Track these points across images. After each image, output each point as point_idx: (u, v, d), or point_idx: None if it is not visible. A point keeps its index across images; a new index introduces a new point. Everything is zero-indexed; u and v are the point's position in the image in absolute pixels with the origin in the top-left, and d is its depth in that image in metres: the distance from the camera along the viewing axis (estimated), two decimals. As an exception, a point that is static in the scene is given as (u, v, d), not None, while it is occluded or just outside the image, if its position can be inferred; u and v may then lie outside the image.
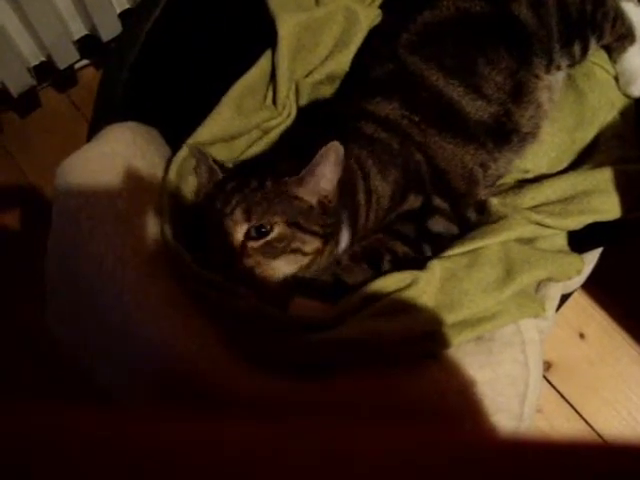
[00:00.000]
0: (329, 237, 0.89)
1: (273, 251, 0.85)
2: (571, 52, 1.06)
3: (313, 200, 0.88)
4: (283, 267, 0.86)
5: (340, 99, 1.07)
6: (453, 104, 1.00)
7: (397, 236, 0.92)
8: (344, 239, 0.92)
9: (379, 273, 0.87)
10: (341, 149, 0.85)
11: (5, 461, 0.23)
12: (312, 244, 0.87)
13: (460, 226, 0.96)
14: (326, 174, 0.87)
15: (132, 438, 0.26)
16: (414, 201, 0.94)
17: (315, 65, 1.06)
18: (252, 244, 0.85)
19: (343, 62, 1.07)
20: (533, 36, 1.04)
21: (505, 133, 1.02)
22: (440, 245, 0.91)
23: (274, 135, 1.04)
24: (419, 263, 0.86)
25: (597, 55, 1.11)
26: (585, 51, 1.07)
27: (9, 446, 0.24)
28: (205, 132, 0.97)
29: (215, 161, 0.94)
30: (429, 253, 0.91)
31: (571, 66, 1.09)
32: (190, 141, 0.95)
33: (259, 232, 0.85)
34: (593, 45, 1.08)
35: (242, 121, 1.00)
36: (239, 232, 0.85)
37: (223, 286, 0.83)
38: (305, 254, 0.87)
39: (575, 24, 1.05)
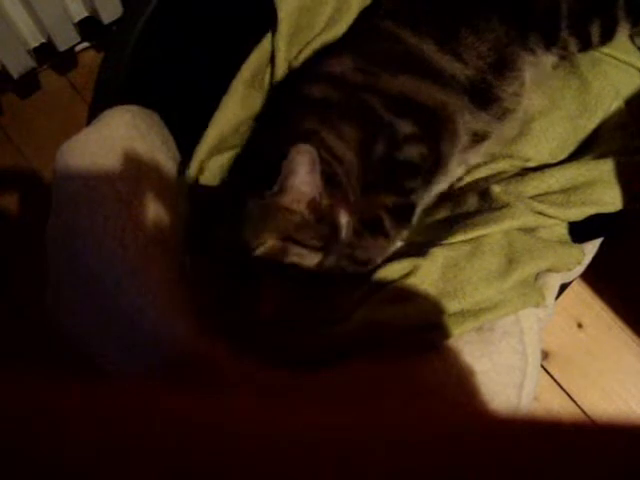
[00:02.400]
0: (330, 247, 0.86)
1: (275, 262, 0.84)
2: (585, 35, 1.00)
3: (301, 207, 0.84)
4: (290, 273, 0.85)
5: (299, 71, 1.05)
6: (426, 58, 0.97)
7: (376, 189, 0.90)
8: (344, 222, 0.90)
9: (388, 237, 0.88)
10: (313, 151, 0.80)
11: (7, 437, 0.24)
12: (311, 259, 0.85)
13: (431, 150, 0.92)
14: (304, 180, 0.83)
15: (132, 410, 0.26)
16: (379, 150, 0.91)
17: (306, 43, 1.06)
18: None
19: (332, 38, 1.07)
20: (534, 10, 0.99)
21: (483, 98, 0.99)
22: (417, 170, 0.89)
23: None
24: (413, 211, 0.88)
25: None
26: (609, 35, 1.00)
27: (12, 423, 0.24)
28: (228, 116, 0.97)
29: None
30: (412, 185, 0.90)
31: (585, 49, 1.02)
32: (213, 129, 0.96)
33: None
34: (624, 29, 1.00)
35: (251, 102, 1.00)
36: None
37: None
38: (304, 266, 0.85)
39: (595, 2, 0.99)
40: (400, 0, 1.04)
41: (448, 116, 0.95)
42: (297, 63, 1.05)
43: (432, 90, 0.95)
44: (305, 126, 0.92)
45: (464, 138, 0.98)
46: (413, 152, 0.90)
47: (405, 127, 0.91)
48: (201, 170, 0.93)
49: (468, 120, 0.98)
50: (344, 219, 0.89)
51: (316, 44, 1.06)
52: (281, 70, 1.03)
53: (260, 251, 0.83)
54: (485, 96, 0.99)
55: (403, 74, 0.95)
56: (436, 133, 0.94)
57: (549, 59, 1.04)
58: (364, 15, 1.08)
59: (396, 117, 0.92)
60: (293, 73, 1.06)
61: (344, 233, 0.89)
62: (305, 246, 0.84)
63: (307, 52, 1.06)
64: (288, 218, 0.84)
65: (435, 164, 0.94)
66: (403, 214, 0.88)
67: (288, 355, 0.79)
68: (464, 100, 0.97)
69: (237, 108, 0.98)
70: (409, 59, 0.96)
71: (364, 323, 0.80)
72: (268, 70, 1.05)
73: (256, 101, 1.02)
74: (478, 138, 1.00)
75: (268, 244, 0.83)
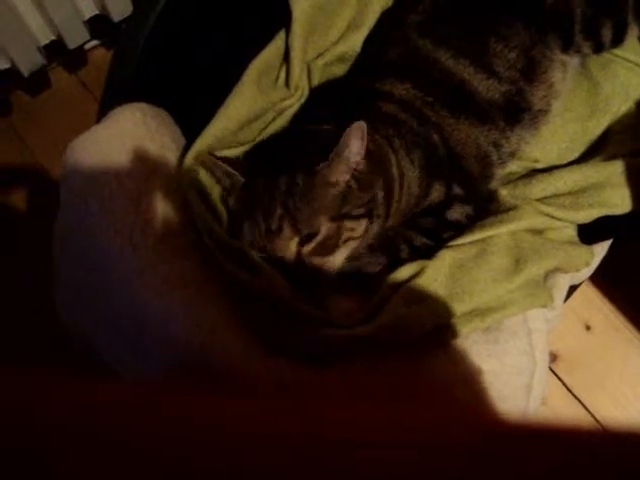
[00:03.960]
0: (372, 213, 0.88)
1: (327, 248, 0.85)
2: (597, 38, 1.01)
3: (347, 178, 0.86)
4: (339, 258, 0.86)
5: (353, 81, 1.06)
6: (465, 84, 0.99)
7: (415, 228, 0.92)
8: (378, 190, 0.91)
9: (397, 262, 0.87)
10: (365, 126, 0.82)
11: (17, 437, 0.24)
12: (360, 226, 0.86)
13: (477, 207, 0.95)
14: (354, 150, 0.84)
15: (131, 409, 0.26)
16: (438, 191, 0.94)
17: (327, 47, 1.06)
18: (305, 249, 0.84)
19: (355, 44, 1.06)
20: (551, 15, 1.00)
21: (516, 112, 1.00)
22: (460, 229, 0.91)
23: (287, 116, 1.03)
24: (435, 250, 0.87)
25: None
26: (620, 38, 1.02)
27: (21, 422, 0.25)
28: (231, 113, 0.96)
29: (230, 162, 0.90)
30: (447, 236, 0.91)
31: (598, 52, 1.04)
32: (215, 124, 0.95)
33: (309, 235, 0.84)
34: (634, 31, 1.02)
35: (263, 100, 0.99)
36: (292, 246, 0.84)
37: (253, 262, 0.83)
38: (356, 239, 0.87)
39: (606, 6, 1.00)
40: (428, 13, 1.04)
41: (492, 162, 1.00)
42: (320, 66, 1.05)
43: (478, 134, 0.98)
44: (380, 130, 0.94)
45: (498, 170, 1.01)
46: (458, 213, 0.93)
47: (455, 188, 0.95)
48: (196, 163, 0.92)
49: (505, 148, 1.00)
50: (379, 190, 0.90)
51: (340, 49, 1.06)
52: (298, 70, 1.02)
53: (319, 240, 0.84)
54: (519, 107, 1.00)
55: (454, 114, 0.98)
56: (478, 191, 0.98)
57: (573, 60, 1.04)
58: (390, 20, 1.07)
59: (451, 178, 0.95)
60: (343, 84, 1.07)
61: (379, 199, 0.90)
62: (354, 217, 0.86)
63: (329, 57, 1.05)
64: (334, 193, 0.85)
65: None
66: (424, 251, 0.89)
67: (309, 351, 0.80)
68: (500, 126, 0.99)
69: (244, 105, 0.97)
70: (457, 93, 0.99)
71: (383, 325, 0.80)
72: (283, 68, 1.05)
73: (269, 98, 1.01)
74: (511, 157, 1.02)
75: (323, 230, 0.84)
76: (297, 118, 1.04)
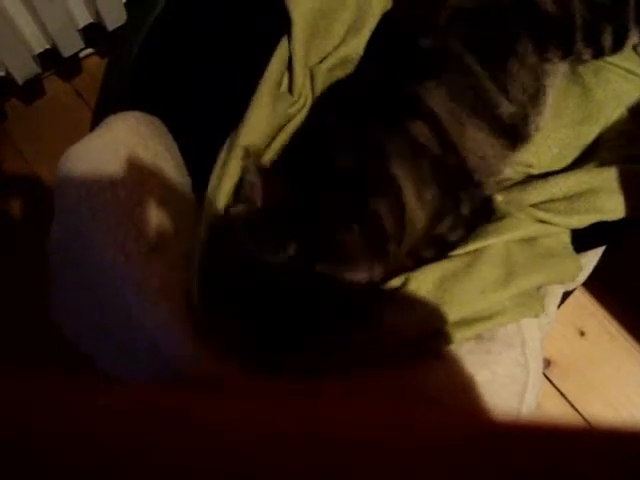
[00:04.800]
0: None
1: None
2: (598, 44, 1.01)
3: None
4: None
5: (380, 84, 1.01)
6: (488, 93, 0.95)
7: (413, 259, 0.91)
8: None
9: None
10: None
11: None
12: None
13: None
14: None
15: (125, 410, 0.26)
16: (446, 225, 0.92)
17: (329, 51, 1.05)
18: None
19: (357, 46, 1.05)
20: (552, 23, 0.99)
21: (515, 136, 0.98)
22: (453, 247, 0.90)
23: (294, 124, 1.02)
24: None
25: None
26: (621, 43, 1.01)
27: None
28: (254, 123, 0.95)
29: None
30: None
31: (597, 57, 1.03)
32: (242, 137, 0.93)
33: None
34: (635, 37, 1.02)
35: (276, 110, 0.99)
36: None
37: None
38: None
39: (607, 13, 0.99)
40: (452, 17, 1.01)
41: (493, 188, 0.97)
42: (323, 71, 1.04)
43: (491, 145, 0.95)
44: (392, 172, 0.89)
45: (490, 179, 0.99)
46: (456, 236, 0.92)
47: (464, 209, 0.93)
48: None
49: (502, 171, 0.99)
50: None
51: (343, 52, 1.05)
52: (301, 76, 1.01)
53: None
54: (516, 132, 0.98)
55: (473, 124, 0.94)
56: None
57: (563, 67, 1.03)
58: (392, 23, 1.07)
59: (463, 198, 0.93)
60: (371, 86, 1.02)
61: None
62: None
63: (332, 61, 1.04)
64: None
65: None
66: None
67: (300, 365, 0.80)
68: (507, 145, 0.97)
69: (264, 120, 0.96)
70: (480, 102, 0.95)
71: (367, 333, 0.80)
72: (286, 75, 1.04)
73: (277, 107, 1.00)
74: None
75: None
76: (319, 131, 1.02)
